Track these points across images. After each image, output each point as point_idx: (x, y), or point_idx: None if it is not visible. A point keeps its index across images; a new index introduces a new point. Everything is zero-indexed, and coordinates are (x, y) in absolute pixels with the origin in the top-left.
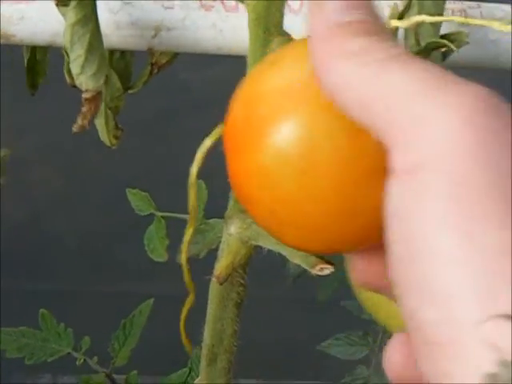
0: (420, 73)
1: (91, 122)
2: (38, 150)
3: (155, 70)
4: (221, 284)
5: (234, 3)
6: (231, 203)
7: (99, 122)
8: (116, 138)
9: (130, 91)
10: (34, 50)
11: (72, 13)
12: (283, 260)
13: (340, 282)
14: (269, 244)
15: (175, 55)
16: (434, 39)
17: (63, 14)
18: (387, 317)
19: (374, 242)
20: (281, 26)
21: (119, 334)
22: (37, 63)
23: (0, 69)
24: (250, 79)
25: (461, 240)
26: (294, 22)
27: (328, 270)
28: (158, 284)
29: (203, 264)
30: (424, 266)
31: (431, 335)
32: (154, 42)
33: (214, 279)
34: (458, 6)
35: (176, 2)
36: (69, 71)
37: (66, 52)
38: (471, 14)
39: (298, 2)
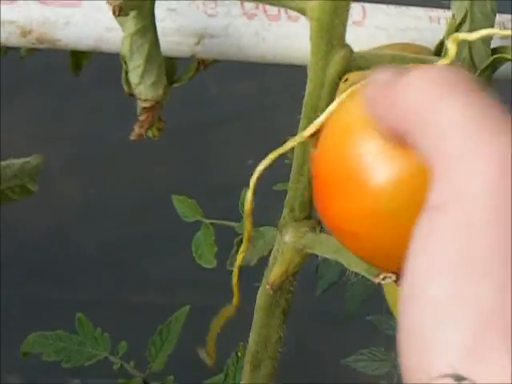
0: (475, 112)
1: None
2: (65, 159)
3: (201, 67)
4: (274, 292)
5: (276, 12)
6: (285, 212)
7: None
8: (159, 129)
9: (175, 85)
10: None
11: (131, 23)
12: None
13: (368, 295)
14: (326, 252)
15: None
16: (487, 53)
17: (121, 24)
18: None
19: None
20: (343, 38)
21: (156, 340)
22: None
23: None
24: (338, 116)
25: (452, 294)
26: (356, 34)
27: (391, 278)
28: (183, 294)
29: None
30: (415, 311)
31: (408, 379)
32: (197, 49)
33: (267, 287)
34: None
35: (219, 10)
36: (127, 80)
37: (125, 61)
38: (509, 27)
39: (361, 14)
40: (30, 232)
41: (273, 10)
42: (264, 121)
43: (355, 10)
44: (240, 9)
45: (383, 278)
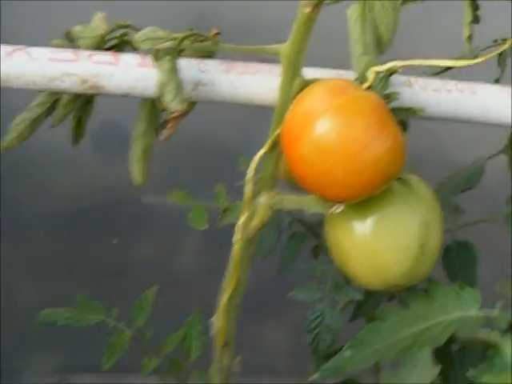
0: None
1: None
2: None
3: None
4: (249, 240)
5: (241, 69)
6: (260, 184)
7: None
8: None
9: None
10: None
11: (166, 63)
12: None
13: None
14: (290, 206)
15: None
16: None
17: (158, 65)
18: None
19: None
20: (301, 69)
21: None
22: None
23: None
24: (294, 105)
25: None
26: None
27: (341, 207)
28: None
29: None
30: None
31: None
32: (193, 93)
33: (247, 233)
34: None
35: (208, 67)
36: (160, 101)
37: (161, 89)
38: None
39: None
40: None
41: (240, 66)
42: None
43: None
44: (220, 65)
45: (335, 209)
